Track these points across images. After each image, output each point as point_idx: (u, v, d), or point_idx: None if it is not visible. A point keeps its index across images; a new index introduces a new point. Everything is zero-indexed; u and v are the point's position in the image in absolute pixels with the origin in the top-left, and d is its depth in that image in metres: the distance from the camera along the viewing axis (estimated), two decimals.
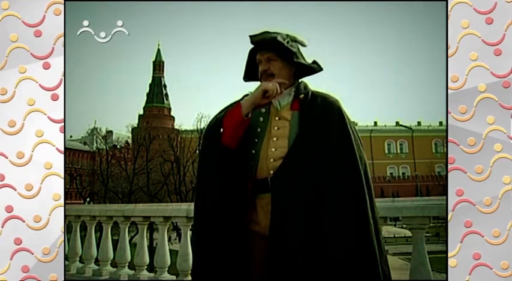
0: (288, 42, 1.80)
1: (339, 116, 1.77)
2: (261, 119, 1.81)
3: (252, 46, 1.87)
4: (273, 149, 1.75)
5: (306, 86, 1.87)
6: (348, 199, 1.65)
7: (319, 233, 1.61)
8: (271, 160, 1.73)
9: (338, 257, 1.60)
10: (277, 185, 1.68)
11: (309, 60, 1.88)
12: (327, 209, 1.63)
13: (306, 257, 1.59)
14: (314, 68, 1.87)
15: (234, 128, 1.74)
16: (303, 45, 1.86)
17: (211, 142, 1.81)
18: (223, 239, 1.73)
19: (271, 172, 1.72)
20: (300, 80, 1.89)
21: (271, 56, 1.81)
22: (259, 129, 1.80)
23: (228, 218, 1.73)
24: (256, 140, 1.79)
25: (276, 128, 1.78)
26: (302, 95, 1.82)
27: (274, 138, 1.77)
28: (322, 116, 1.76)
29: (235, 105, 1.78)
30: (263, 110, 1.83)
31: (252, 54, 1.89)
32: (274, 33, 1.81)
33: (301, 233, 1.61)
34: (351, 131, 1.76)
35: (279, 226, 1.64)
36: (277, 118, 1.80)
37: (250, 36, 1.83)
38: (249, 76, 1.94)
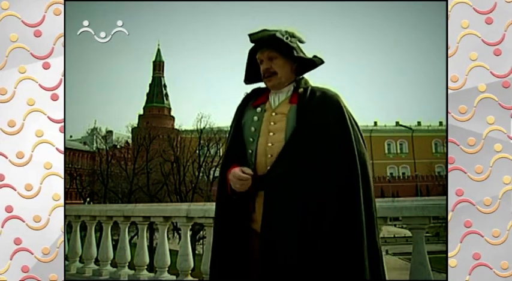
0: (287, 38, 1.77)
1: (337, 110, 1.74)
2: (256, 118, 1.80)
3: (249, 46, 1.86)
4: (270, 144, 1.73)
5: (306, 82, 1.85)
6: (341, 197, 1.62)
7: (310, 232, 1.59)
8: (269, 155, 1.71)
9: (327, 256, 1.58)
10: (270, 181, 1.66)
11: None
12: (319, 207, 1.60)
13: (297, 256, 1.57)
14: (315, 62, 1.85)
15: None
16: (301, 41, 1.84)
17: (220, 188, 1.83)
18: (227, 239, 1.74)
19: (268, 168, 1.70)
20: (301, 77, 1.87)
21: (272, 53, 1.79)
22: (253, 129, 1.78)
23: (232, 218, 1.75)
24: (251, 139, 1.78)
25: (272, 123, 1.76)
26: (301, 89, 1.80)
27: (271, 134, 1.75)
28: (320, 110, 1.73)
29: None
30: (258, 109, 1.82)
31: (251, 55, 1.87)
32: (272, 30, 1.79)
33: (293, 232, 1.58)
34: (350, 125, 1.72)
35: (270, 223, 1.62)
36: (273, 114, 1.79)
37: (249, 35, 1.81)
38: (249, 79, 1.92)
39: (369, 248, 1.63)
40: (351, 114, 1.78)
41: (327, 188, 1.62)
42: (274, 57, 1.79)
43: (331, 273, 1.58)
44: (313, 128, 1.69)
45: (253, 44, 1.84)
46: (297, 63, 1.83)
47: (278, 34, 1.76)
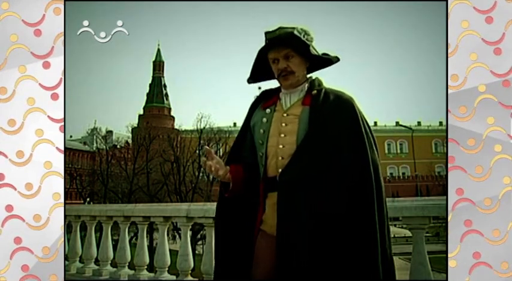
0: (303, 36, 1.73)
1: (351, 114, 1.71)
2: (265, 119, 1.78)
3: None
4: (281, 146, 1.71)
5: (320, 83, 1.81)
6: (355, 200, 1.61)
7: (324, 234, 1.59)
8: (280, 158, 1.70)
9: (340, 258, 1.59)
10: (283, 184, 1.65)
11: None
12: (333, 210, 1.60)
13: (312, 258, 1.58)
14: (332, 60, 1.81)
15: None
16: (312, 39, 1.79)
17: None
18: (234, 240, 1.75)
19: (280, 170, 1.68)
20: (314, 77, 1.83)
21: (289, 52, 1.73)
22: (262, 131, 1.77)
23: (240, 219, 1.76)
24: (261, 141, 1.76)
25: (283, 124, 1.73)
26: (315, 91, 1.76)
27: (282, 135, 1.72)
28: (334, 114, 1.70)
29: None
30: (268, 110, 1.79)
31: (262, 54, 1.80)
32: (289, 28, 1.74)
33: (307, 233, 1.58)
34: (363, 130, 1.69)
35: (284, 225, 1.61)
36: (285, 115, 1.75)
37: (266, 33, 1.76)
38: (254, 78, 1.87)
39: (381, 251, 1.63)
40: (365, 119, 1.75)
41: (342, 192, 1.61)
42: (291, 56, 1.74)
43: (345, 274, 1.59)
44: (326, 132, 1.67)
45: (264, 43, 1.77)
46: (309, 62, 1.79)
47: (295, 32, 1.72)
